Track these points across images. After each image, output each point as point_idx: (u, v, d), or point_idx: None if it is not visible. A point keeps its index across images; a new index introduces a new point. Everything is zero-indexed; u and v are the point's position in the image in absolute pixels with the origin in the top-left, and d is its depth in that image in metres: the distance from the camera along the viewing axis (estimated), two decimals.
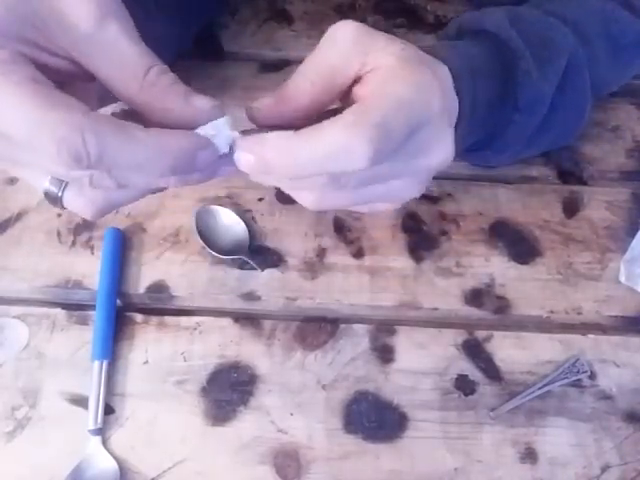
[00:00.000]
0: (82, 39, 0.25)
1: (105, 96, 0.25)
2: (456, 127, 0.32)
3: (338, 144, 0.25)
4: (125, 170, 0.24)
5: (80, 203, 0.28)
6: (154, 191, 0.29)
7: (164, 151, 0.24)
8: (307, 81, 0.28)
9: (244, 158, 0.27)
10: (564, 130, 0.43)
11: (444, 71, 0.30)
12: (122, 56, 0.25)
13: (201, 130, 0.26)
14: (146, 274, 0.46)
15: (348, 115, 0.26)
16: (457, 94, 0.31)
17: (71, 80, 0.25)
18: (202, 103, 0.26)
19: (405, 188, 0.31)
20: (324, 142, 0.25)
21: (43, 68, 0.24)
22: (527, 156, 0.48)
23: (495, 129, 0.39)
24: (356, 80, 0.28)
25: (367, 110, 0.26)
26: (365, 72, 0.28)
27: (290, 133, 0.26)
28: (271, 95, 0.28)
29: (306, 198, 0.30)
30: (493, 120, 0.38)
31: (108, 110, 0.33)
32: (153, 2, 0.41)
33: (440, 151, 0.30)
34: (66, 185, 0.27)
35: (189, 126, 0.26)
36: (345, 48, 0.28)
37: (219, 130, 0.26)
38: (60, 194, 0.27)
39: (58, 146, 0.22)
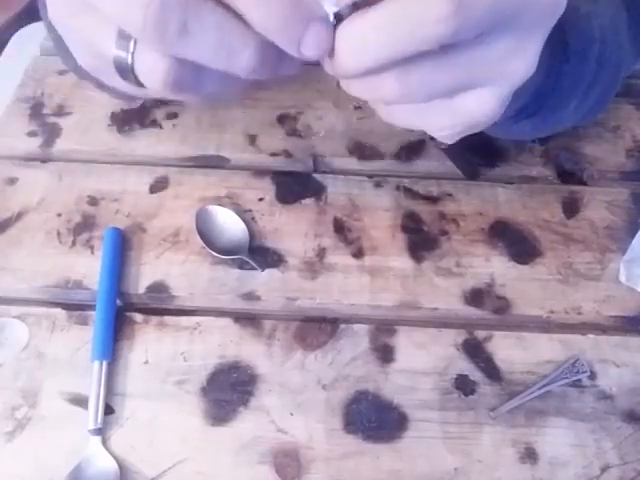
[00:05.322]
0: None
1: None
2: None
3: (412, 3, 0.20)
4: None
5: (154, 61, 0.22)
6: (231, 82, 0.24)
7: None
8: None
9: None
10: (600, 98, 0.40)
11: None
12: None
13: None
14: (146, 274, 0.46)
15: None
16: None
17: None
18: None
19: (511, 53, 0.23)
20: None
21: None
22: (572, 124, 0.44)
23: (547, 80, 0.35)
24: None
25: None
26: None
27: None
28: None
29: (390, 84, 0.23)
30: (543, 70, 0.32)
31: None
32: None
33: None
34: (135, 44, 0.22)
35: None
36: None
37: None
38: (130, 57, 0.22)
39: None
